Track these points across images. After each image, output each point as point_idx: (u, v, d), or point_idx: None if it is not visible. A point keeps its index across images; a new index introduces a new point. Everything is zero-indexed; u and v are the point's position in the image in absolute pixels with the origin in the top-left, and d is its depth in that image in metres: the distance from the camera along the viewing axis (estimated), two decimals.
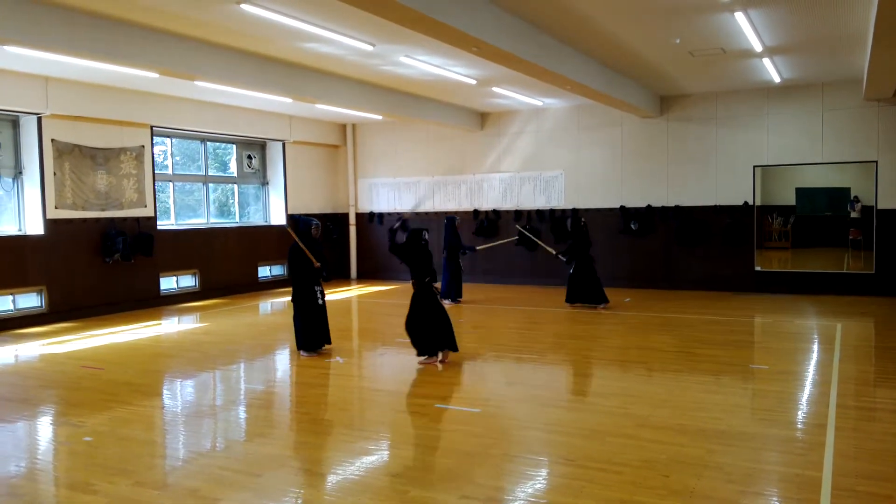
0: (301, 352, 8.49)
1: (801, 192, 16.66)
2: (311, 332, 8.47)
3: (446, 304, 11.76)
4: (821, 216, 16.67)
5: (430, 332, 8.00)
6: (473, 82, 12.07)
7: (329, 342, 8.68)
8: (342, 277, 17.52)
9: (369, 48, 9.62)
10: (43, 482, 4.92)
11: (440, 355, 8.04)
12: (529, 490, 4.53)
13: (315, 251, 8.47)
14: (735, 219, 13.67)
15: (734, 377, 7.38)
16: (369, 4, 6.55)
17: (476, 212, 15.99)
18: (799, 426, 5.75)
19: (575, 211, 14.83)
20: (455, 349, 8.10)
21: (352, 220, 17.55)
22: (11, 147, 11.29)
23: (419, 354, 8.10)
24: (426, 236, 8.19)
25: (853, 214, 15.99)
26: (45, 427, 6.29)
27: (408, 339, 8.16)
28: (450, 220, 12.96)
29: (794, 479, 4.55)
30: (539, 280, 15.27)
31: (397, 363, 8.52)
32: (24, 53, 8.62)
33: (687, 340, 9.26)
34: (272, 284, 15.60)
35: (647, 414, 5.97)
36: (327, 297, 8.84)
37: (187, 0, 7.62)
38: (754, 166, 13.55)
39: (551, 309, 12.16)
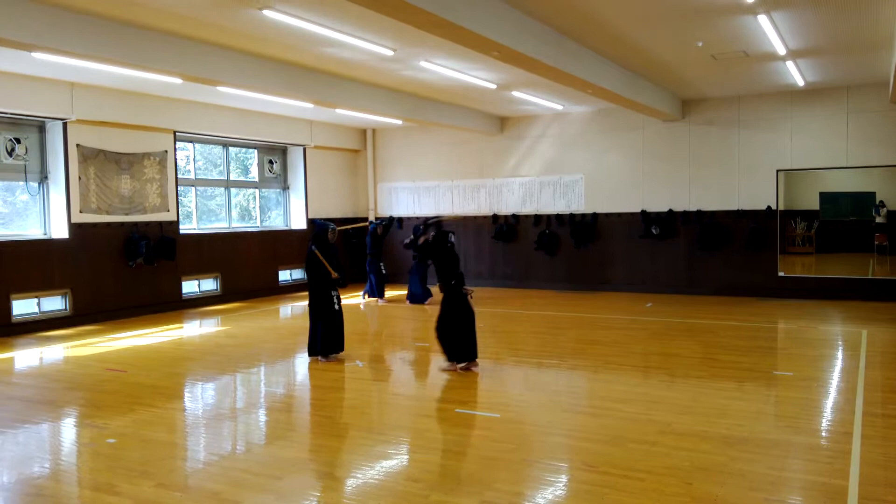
0: (319, 357, 8.49)
1: (825, 197, 16.47)
2: (332, 337, 8.48)
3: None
4: (845, 221, 16.47)
5: (460, 338, 7.81)
6: (493, 86, 12.06)
7: (342, 349, 8.61)
8: (361, 281, 17.55)
9: (390, 53, 9.65)
10: (67, 483, 4.98)
11: (465, 364, 7.86)
12: (550, 496, 4.51)
13: (331, 257, 8.47)
14: (758, 223, 13.53)
15: (757, 384, 7.30)
16: (391, 9, 6.57)
17: (495, 216, 15.97)
18: (824, 434, 5.67)
19: (596, 215, 14.79)
20: (475, 358, 7.97)
21: None
22: (38, 152, 11.46)
23: (449, 360, 7.94)
24: (452, 239, 8.08)
25: (878, 219, 15.78)
26: (69, 429, 6.36)
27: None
28: (373, 226, 14.06)
29: (820, 488, 4.48)
30: (558, 285, 15.21)
31: (416, 367, 8.52)
32: (51, 60, 8.75)
33: (709, 346, 9.17)
34: (292, 288, 15.68)
35: (670, 420, 5.92)
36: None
37: (211, 6, 7.69)
38: (777, 170, 13.40)
39: (571, 314, 12.10)
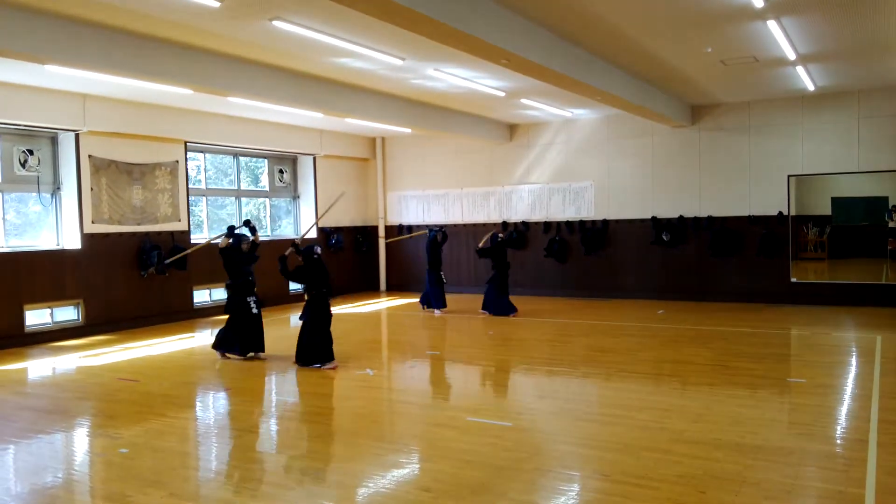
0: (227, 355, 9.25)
1: (837, 202, 16.36)
2: (249, 337, 9.19)
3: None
4: (858, 226, 16.35)
5: (318, 342, 8.58)
6: (502, 94, 12.08)
7: (262, 350, 9.33)
8: (371, 290, 17.58)
9: (399, 62, 9.68)
10: (79, 493, 4.99)
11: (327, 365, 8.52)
12: None
13: (306, 271, 8.91)
14: (770, 229, 13.46)
15: (771, 391, 7.24)
16: (401, 19, 6.60)
17: (505, 223, 15.96)
18: (839, 441, 5.61)
19: (606, 222, 14.77)
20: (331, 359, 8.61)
21: (381, 232, 17.63)
22: (50, 163, 11.55)
23: (298, 362, 8.68)
24: (318, 250, 8.83)
25: (891, 224, 15.64)
26: (81, 439, 6.38)
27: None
28: (432, 234, 13.62)
29: (836, 497, 4.43)
30: (569, 292, 15.16)
31: (427, 375, 8.51)
32: (63, 72, 8.83)
33: (722, 353, 9.11)
34: (302, 297, 15.68)
35: (683, 428, 5.88)
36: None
37: (221, 18, 7.75)
38: (789, 176, 13.34)
39: (582, 321, 12.06)
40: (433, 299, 13.36)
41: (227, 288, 9.35)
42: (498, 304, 12.81)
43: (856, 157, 12.81)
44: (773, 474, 4.78)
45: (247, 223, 9.78)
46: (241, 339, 9.19)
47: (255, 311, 9.26)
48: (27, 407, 7.25)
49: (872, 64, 10.54)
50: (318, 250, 8.85)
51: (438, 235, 13.63)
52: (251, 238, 9.51)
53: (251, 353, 9.24)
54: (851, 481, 4.63)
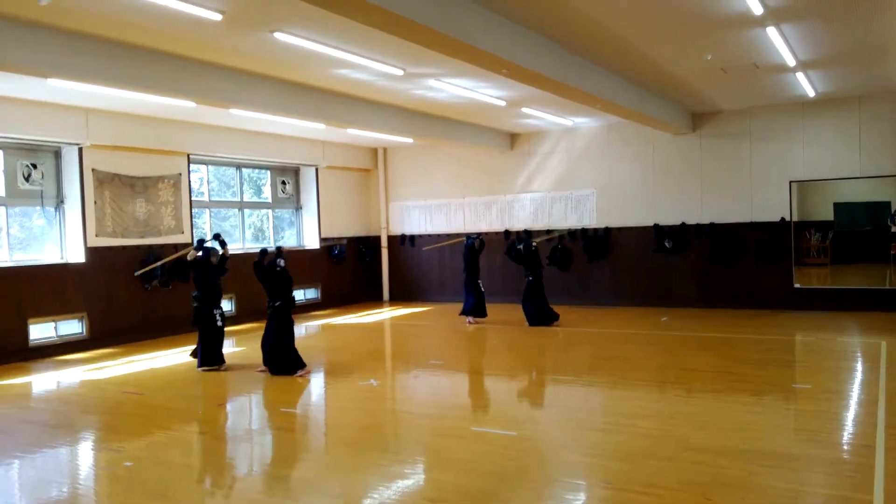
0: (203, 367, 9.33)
1: (840, 207, 16.34)
2: (210, 350, 9.36)
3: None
4: (860, 231, 16.33)
5: (283, 352, 8.86)
6: (503, 104, 12.12)
7: (222, 362, 9.47)
8: (375, 299, 17.58)
9: (400, 73, 9.72)
10: None
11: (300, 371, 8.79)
12: None
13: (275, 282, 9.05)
14: (772, 235, 13.45)
15: (776, 397, 7.22)
16: (401, 29, 6.63)
17: (507, 232, 15.97)
18: (845, 447, 5.59)
19: (608, 230, 14.78)
20: (303, 366, 8.87)
21: (384, 242, 17.64)
22: (54, 177, 11.59)
23: (266, 367, 8.96)
24: (282, 263, 8.99)
25: (894, 228, 15.62)
26: (86, 452, 6.38)
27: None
28: (470, 241, 13.19)
29: (843, 503, 4.41)
30: (572, 300, 15.15)
31: (431, 385, 8.50)
32: (66, 86, 8.88)
33: (726, 360, 9.09)
34: (306, 308, 15.71)
35: (688, 435, 5.86)
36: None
37: (223, 30, 7.79)
38: (790, 181, 13.34)
39: (586, 329, 12.05)
40: (470, 308, 12.95)
41: (194, 300, 9.48)
42: (538, 313, 12.29)
43: (857, 162, 12.81)
44: (778, 481, 4.76)
45: (216, 237, 9.90)
46: (202, 350, 9.39)
47: (219, 323, 9.43)
48: (31, 421, 7.26)
49: (873, 69, 10.56)
50: (282, 263, 9.03)
51: (476, 243, 13.26)
52: (220, 252, 9.66)
53: (206, 368, 9.34)
54: (858, 487, 4.61)
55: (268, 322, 9.09)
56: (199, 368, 9.37)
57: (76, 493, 5.22)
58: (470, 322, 12.91)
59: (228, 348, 11.19)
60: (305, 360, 8.95)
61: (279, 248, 9.29)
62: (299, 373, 8.80)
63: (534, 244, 12.79)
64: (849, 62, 10.08)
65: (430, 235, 16.97)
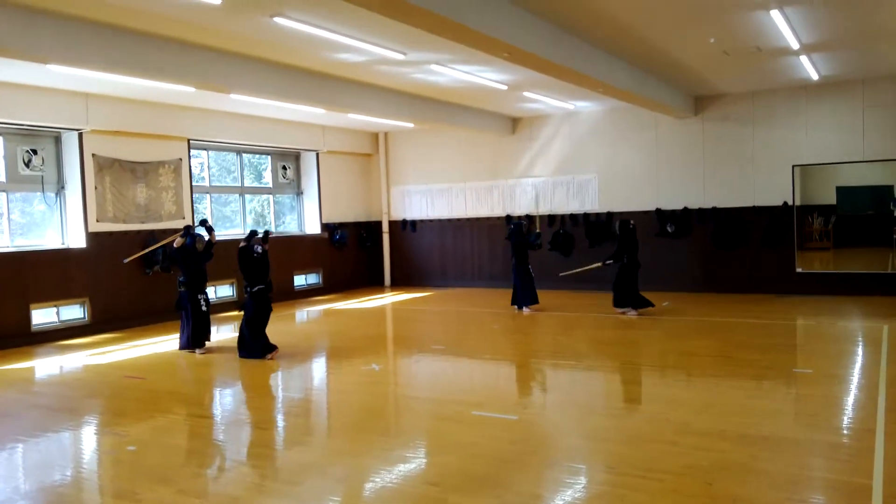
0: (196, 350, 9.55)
1: (842, 191, 16.31)
2: (198, 333, 9.54)
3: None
4: (863, 215, 16.30)
5: (259, 335, 8.98)
6: (504, 88, 12.05)
7: (202, 347, 9.61)
8: (376, 285, 17.60)
9: (400, 57, 9.67)
10: (88, 491, 5.02)
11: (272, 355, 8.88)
12: (569, 498, 4.49)
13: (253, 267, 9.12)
14: (774, 219, 13.41)
15: (777, 381, 7.23)
16: (401, 13, 6.58)
17: (509, 217, 15.93)
18: (846, 431, 5.60)
19: (610, 214, 14.73)
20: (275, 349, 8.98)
21: (385, 227, 17.63)
22: (54, 163, 11.57)
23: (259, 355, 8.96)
24: (258, 249, 9.01)
25: None
26: (89, 436, 6.41)
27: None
28: (516, 226, 12.65)
29: (843, 487, 4.43)
30: (574, 285, 15.13)
31: (433, 370, 8.52)
32: (66, 71, 8.84)
33: (727, 344, 9.10)
34: (308, 293, 15.73)
35: (689, 420, 5.87)
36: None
37: (222, 15, 7.74)
38: (793, 165, 13.29)
39: (587, 314, 12.06)
40: (521, 296, 12.36)
41: (179, 285, 9.67)
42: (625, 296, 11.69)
43: (860, 146, 12.75)
44: (779, 464, 4.78)
45: (203, 223, 10.03)
46: (187, 333, 9.59)
47: (203, 308, 9.61)
48: (35, 405, 7.29)
49: (877, 52, 10.48)
50: (259, 249, 9.09)
51: (524, 226, 12.72)
52: (206, 238, 9.79)
53: (188, 350, 9.58)
54: (858, 471, 4.62)
55: (246, 307, 9.16)
56: (181, 350, 9.67)
57: (80, 477, 5.25)
58: (524, 312, 12.26)
59: (228, 333, 11.25)
60: (307, 345, 9.02)
61: (266, 233, 9.38)
62: (269, 356, 8.91)
63: (631, 222, 11.98)
64: (852, 45, 10.01)
65: (430, 220, 16.95)
